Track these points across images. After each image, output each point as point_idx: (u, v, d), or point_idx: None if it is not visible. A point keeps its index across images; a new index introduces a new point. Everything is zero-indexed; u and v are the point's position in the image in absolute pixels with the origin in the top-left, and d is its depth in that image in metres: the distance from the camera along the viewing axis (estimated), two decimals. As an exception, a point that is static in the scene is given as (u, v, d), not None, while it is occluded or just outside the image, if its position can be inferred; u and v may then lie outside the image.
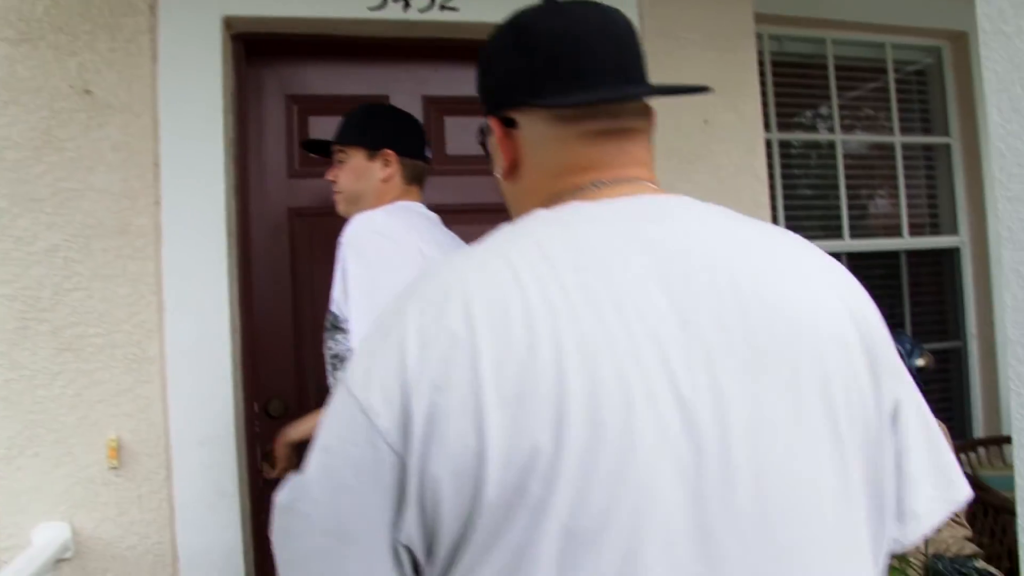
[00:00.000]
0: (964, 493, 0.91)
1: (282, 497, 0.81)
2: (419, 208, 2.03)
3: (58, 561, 2.16)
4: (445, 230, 2.04)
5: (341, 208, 2.06)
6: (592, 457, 0.70)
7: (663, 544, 0.72)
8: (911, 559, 2.59)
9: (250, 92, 2.58)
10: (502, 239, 0.85)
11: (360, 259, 1.74)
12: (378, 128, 2.04)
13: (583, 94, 0.89)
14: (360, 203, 2.00)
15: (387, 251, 1.76)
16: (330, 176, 2.09)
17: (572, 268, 0.77)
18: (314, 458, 0.79)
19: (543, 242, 0.81)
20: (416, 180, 2.07)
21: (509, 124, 0.95)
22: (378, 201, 1.99)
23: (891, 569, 2.04)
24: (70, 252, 2.24)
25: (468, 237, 2.78)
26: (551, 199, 0.91)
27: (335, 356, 1.85)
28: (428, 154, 2.10)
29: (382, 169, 2.01)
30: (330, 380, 1.94)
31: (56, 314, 2.22)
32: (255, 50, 2.55)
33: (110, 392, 2.26)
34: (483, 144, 1.06)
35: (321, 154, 2.17)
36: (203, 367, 2.33)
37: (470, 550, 0.72)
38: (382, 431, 0.73)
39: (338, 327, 1.82)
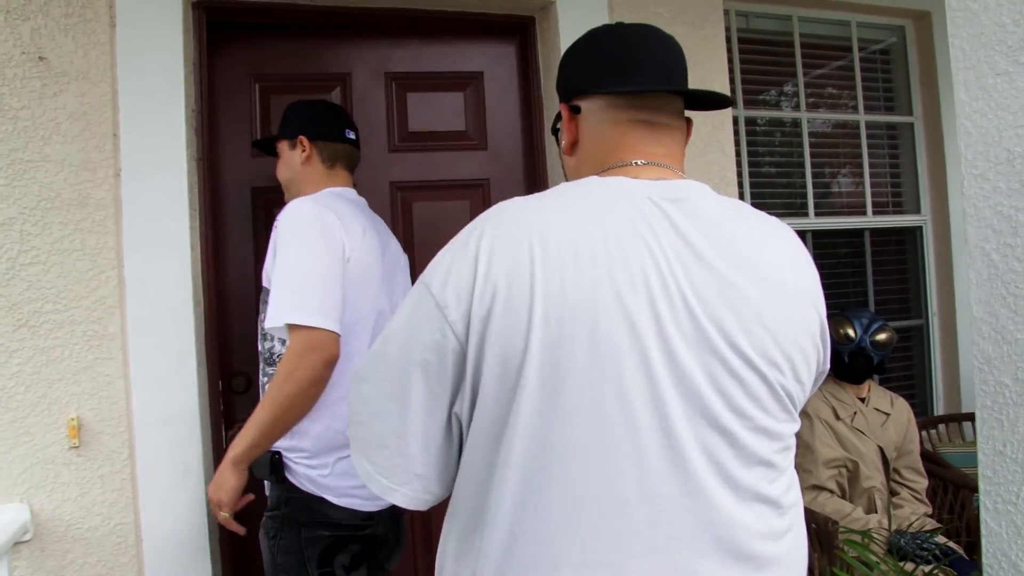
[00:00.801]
0: None
1: (360, 368, 1.10)
2: (346, 193, 2.13)
3: (16, 544, 2.11)
4: (371, 213, 2.16)
5: (285, 197, 2.18)
6: (603, 365, 0.97)
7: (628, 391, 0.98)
8: (874, 534, 2.63)
9: (214, 64, 2.52)
10: (558, 193, 1.10)
11: (287, 245, 1.85)
12: (293, 118, 2.18)
13: (634, 85, 1.14)
14: (292, 189, 2.17)
15: (309, 240, 1.87)
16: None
17: (598, 224, 1.02)
18: (391, 338, 1.07)
19: (583, 201, 1.06)
20: (337, 161, 2.17)
21: (575, 111, 1.20)
22: (306, 185, 2.13)
23: (853, 544, 2.06)
24: (26, 225, 2.17)
25: (432, 210, 2.77)
26: (601, 171, 1.15)
27: (266, 328, 1.89)
28: (350, 135, 2.19)
29: (300, 154, 2.15)
30: (259, 348, 2.05)
31: (12, 289, 2.15)
32: (219, 25, 2.49)
33: (70, 370, 2.20)
34: (555, 131, 1.29)
35: (272, 154, 2.29)
36: (166, 344, 2.28)
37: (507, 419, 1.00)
38: (451, 323, 1.00)
39: (267, 302, 1.89)
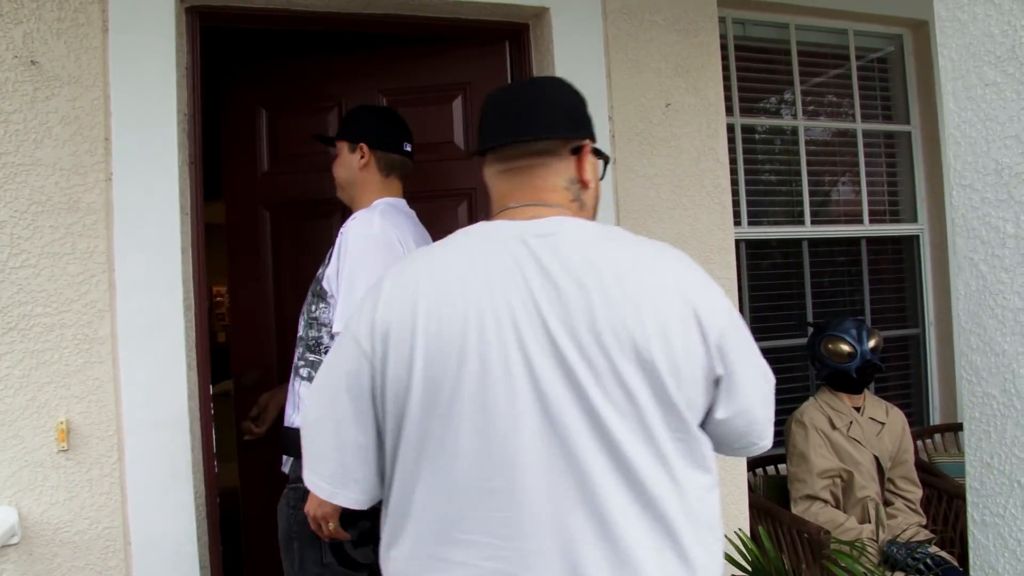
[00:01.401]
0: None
1: (306, 398, 1.39)
2: (400, 205, 2.29)
3: (3, 547, 2.10)
4: (418, 223, 2.30)
5: (338, 194, 2.35)
6: (470, 386, 1.19)
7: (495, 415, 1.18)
8: (867, 545, 2.62)
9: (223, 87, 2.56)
10: (451, 239, 1.34)
11: (355, 257, 2.03)
12: (357, 124, 2.32)
13: (486, 144, 1.38)
14: (347, 190, 2.32)
15: (373, 256, 2.04)
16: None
17: (471, 263, 1.25)
18: (324, 371, 1.31)
19: (466, 244, 1.31)
20: (393, 171, 2.30)
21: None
22: (363, 190, 2.28)
23: (842, 555, 2.06)
24: (16, 229, 2.17)
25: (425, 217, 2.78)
26: (492, 216, 1.38)
27: (314, 318, 2.12)
28: (407, 148, 2.32)
29: (359, 160, 2.27)
30: (301, 334, 2.18)
31: (2, 293, 2.15)
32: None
33: (59, 373, 2.20)
34: None
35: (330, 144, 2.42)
36: (156, 348, 2.27)
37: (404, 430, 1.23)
38: (364, 352, 1.24)
39: (322, 296, 2.11)
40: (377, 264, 2.00)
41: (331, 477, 1.30)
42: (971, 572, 1.66)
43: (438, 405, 1.20)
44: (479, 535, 1.18)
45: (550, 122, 1.35)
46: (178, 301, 2.29)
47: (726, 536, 2.24)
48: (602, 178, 1.45)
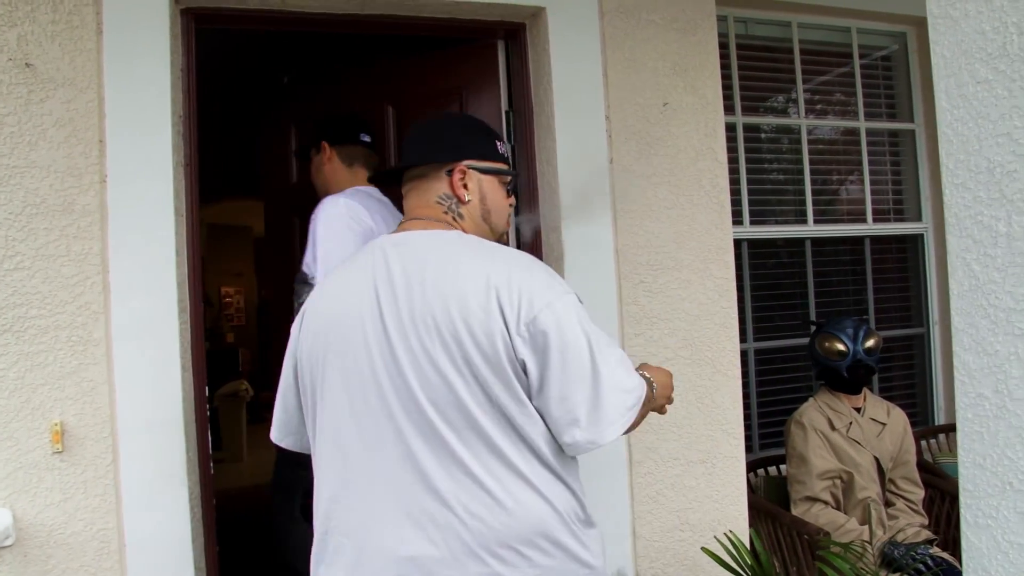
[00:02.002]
0: None
1: None
2: (372, 192, 2.42)
3: (-1, 548, 2.11)
4: (391, 208, 2.40)
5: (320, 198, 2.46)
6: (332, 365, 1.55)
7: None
8: (868, 545, 2.60)
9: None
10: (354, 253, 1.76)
11: (324, 237, 2.21)
12: (315, 129, 2.55)
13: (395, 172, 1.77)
14: (322, 191, 2.48)
15: (339, 229, 2.23)
16: None
17: (347, 270, 1.63)
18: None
19: (355, 256, 1.68)
20: (355, 161, 2.51)
21: None
22: (333, 185, 2.46)
23: (834, 557, 2.04)
24: (11, 231, 2.17)
25: None
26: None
27: (300, 302, 2.19)
28: (364, 139, 2.53)
29: (324, 157, 2.51)
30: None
31: (-4, 294, 2.16)
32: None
33: (54, 375, 2.20)
34: None
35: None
36: (151, 349, 2.28)
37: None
38: (293, 340, 1.68)
39: (307, 283, 2.26)
40: (346, 236, 2.20)
41: (280, 427, 1.75)
42: (964, 574, 1.64)
43: (315, 385, 1.57)
44: (336, 484, 1.53)
45: (423, 151, 1.68)
46: (172, 303, 2.30)
47: (716, 538, 2.23)
48: (512, 192, 1.75)
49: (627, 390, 1.51)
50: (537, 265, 1.56)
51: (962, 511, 1.65)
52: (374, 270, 1.54)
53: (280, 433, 1.75)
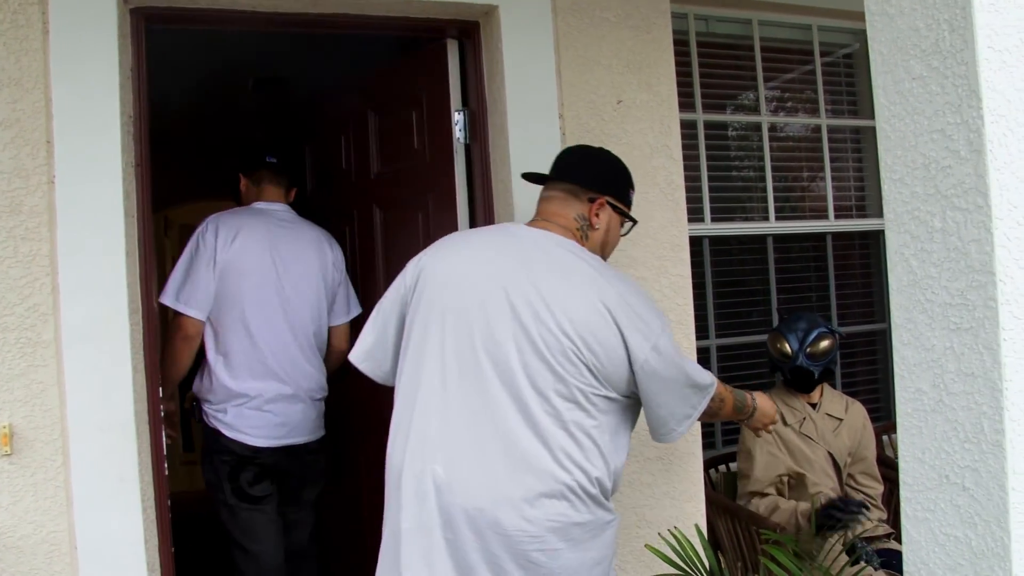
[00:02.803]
0: None
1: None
2: (263, 206, 2.97)
3: (-55, 552, 2.10)
4: (268, 218, 2.92)
5: None
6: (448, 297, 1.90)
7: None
8: (803, 523, 2.62)
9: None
10: (481, 229, 2.43)
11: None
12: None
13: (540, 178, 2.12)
14: None
15: (189, 250, 2.80)
16: None
17: (483, 238, 2.09)
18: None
19: (487, 231, 2.26)
20: (262, 181, 3.01)
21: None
22: (245, 204, 3.05)
23: (774, 549, 2.06)
24: (-43, 232, 2.16)
25: (397, 217, 2.83)
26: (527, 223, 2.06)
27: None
28: (270, 160, 2.99)
29: (240, 186, 3.08)
30: None
31: (-57, 297, 2.14)
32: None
33: (2, 377, 2.18)
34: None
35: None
36: (101, 351, 2.26)
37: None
38: (407, 278, 2.01)
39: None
40: (187, 249, 2.78)
41: (363, 353, 2.09)
42: (904, 568, 1.66)
43: (426, 330, 1.88)
44: (422, 422, 1.85)
45: (578, 174, 2.04)
46: (123, 304, 2.28)
47: (660, 535, 2.24)
48: (624, 234, 2.15)
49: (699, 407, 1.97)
50: (642, 292, 1.97)
51: (902, 505, 1.67)
52: (507, 248, 1.92)
53: (362, 356, 2.06)
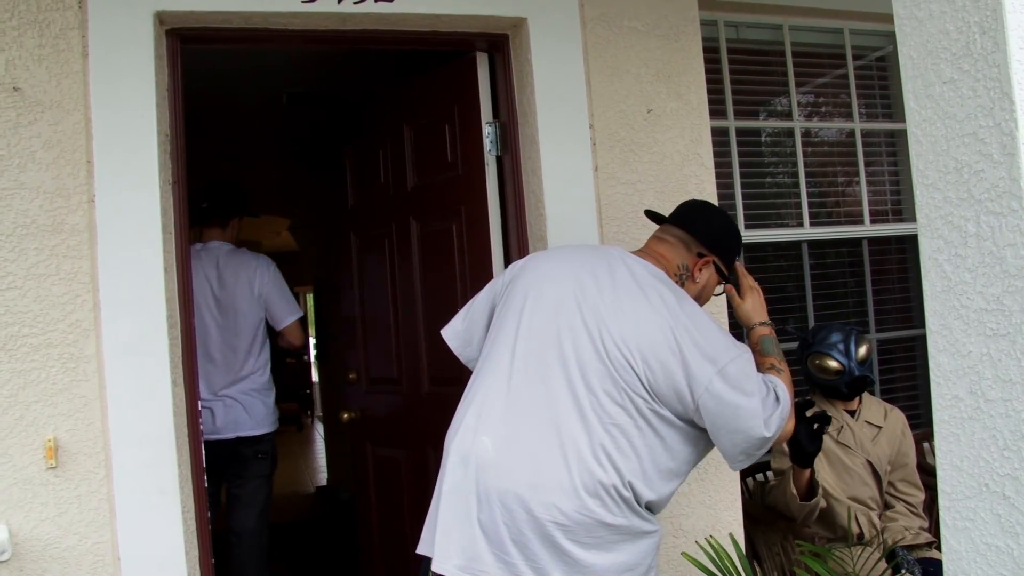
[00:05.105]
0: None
1: None
2: (200, 246, 3.56)
3: (-6, 563, 2.15)
4: (216, 256, 3.55)
5: None
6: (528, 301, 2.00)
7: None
8: (863, 548, 2.58)
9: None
10: (574, 246, 2.37)
11: None
12: None
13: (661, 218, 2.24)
14: None
15: None
16: None
17: (584, 252, 2.14)
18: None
19: (578, 246, 2.32)
20: (201, 225, 3.58)
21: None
22: None
23: (807, 560, 2.03)
24: (2, 251, 2.21)
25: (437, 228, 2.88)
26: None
27: None
28: (203, 205, 3.54)
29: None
30: None
31: (-11, 314, 2.20)
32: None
33: (46, 392, 2.24)
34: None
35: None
36: (141, 365, 2.31)
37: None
38: (504, 277, 2.17)
39: None
40: None
41: (454, 333, 2.23)
42: (945, 578, 1.64)
43: (504, 320, 2.01)
44: (488, 404, 1.93)
45: (696, 227, 2.12)
46: (162, 319, 2.33)
47: (697, 543, 2.23)
48: (718, 294, 2.22)
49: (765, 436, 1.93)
50: (714, 323, 1.97)
51: (941, 514, 1.64)
52: (593, 259, 2.02)
53: (452, 333, 2.22)
